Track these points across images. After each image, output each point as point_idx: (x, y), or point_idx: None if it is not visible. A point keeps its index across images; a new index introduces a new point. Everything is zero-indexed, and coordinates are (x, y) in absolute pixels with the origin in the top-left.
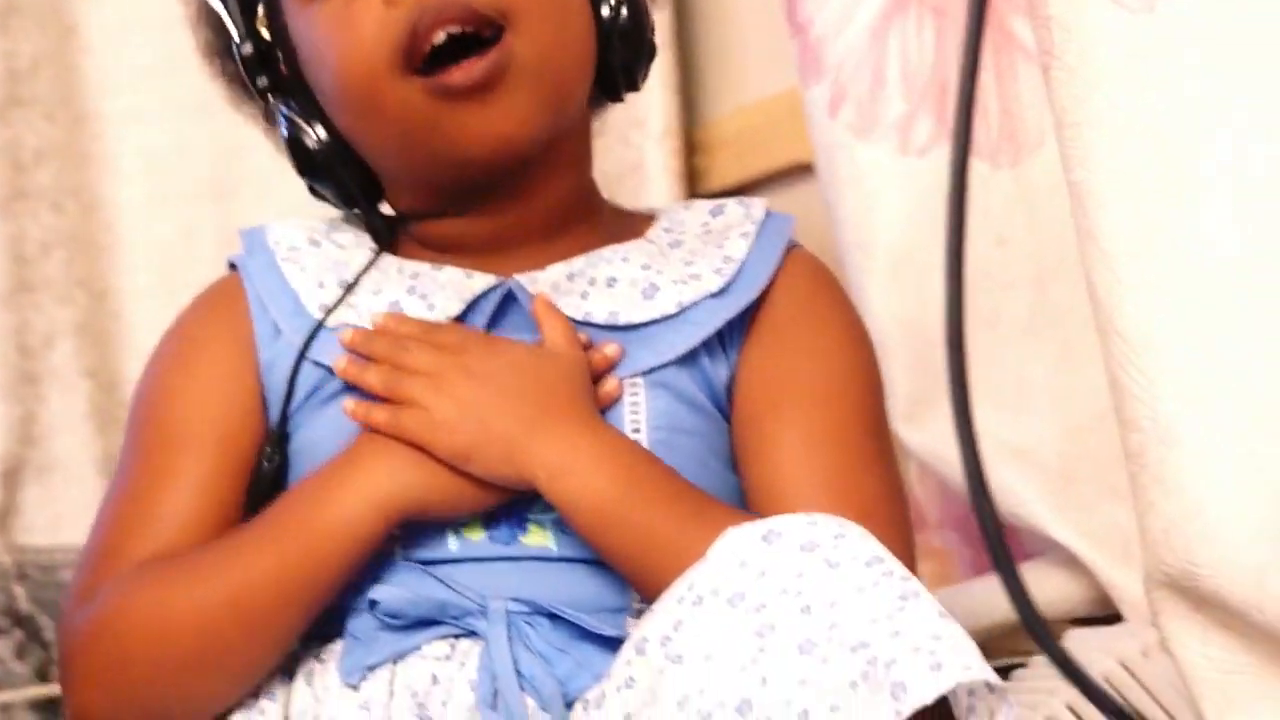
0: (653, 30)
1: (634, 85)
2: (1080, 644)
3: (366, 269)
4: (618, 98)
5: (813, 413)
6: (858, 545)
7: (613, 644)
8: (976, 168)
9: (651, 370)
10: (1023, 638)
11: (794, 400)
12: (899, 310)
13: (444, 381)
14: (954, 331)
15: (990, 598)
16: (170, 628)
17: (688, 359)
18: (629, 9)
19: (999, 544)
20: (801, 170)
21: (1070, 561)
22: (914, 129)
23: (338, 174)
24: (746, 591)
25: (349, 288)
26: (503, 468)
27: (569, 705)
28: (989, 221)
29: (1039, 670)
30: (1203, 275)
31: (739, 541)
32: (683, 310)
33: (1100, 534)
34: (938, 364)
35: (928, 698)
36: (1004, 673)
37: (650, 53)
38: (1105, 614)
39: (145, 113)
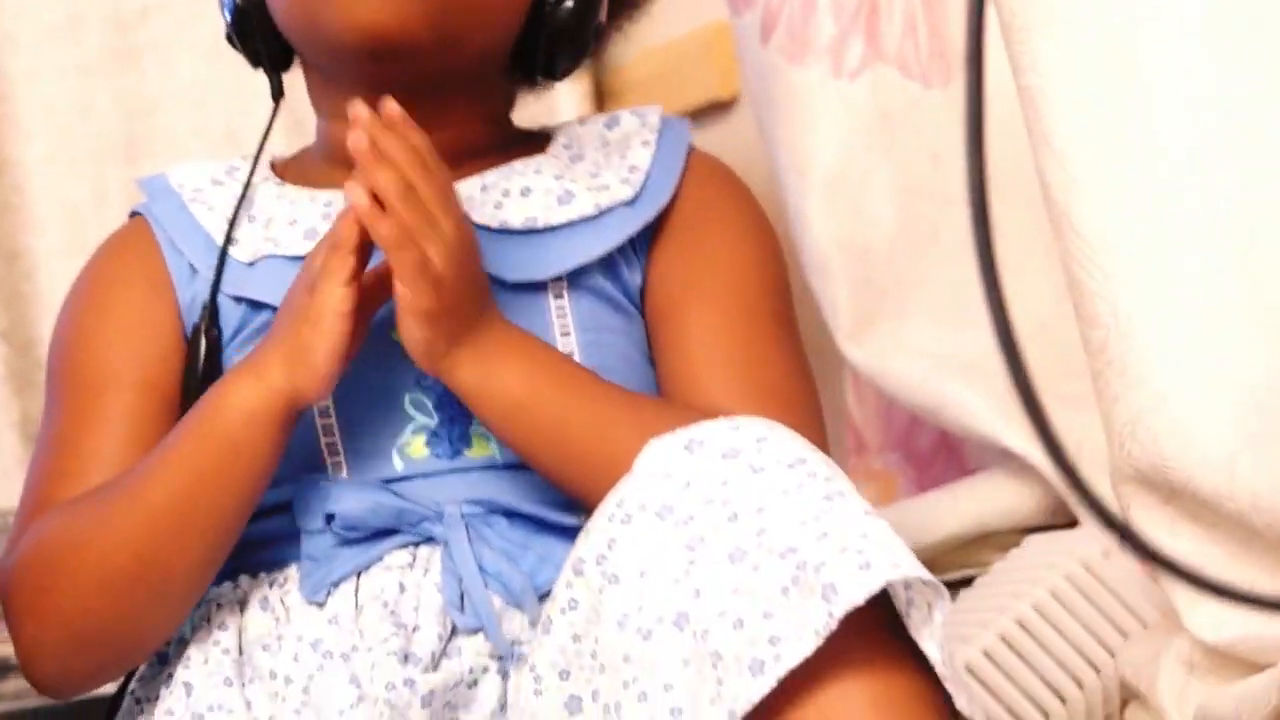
0: (594, 33)
1: (551, 72)
2: (1040, 547)
3: (250, 176)
4: (531, 80)
5: (720, 303)
6: (781, 448)
7: (571, 534)
8: (907, 88)
9: (575, 272)
10: (975, 550)
11: (701, 293)
12: (837, 231)
13: (443, 236)
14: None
15: (938, 512)
16: (92, 547)
17: (606, 263)
18: (575, 3)
19: (1030, 397)
20: (715, 109)
21: (1022, 472)
22: (846, 52)
23: (253, 34)
24: (674, 504)
25: (241, 199)
26: (437, 344)
27: (541, 599)
28: (923, 139)
29: (997, 578)
30: (1157, 171)
31: (662, 452)
32: (600, 213)
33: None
34: (878, 281)
35: (858, 598)
36: (958, 585)
37: (581, 53)
38: (1059, 523)
39: (50, 72)
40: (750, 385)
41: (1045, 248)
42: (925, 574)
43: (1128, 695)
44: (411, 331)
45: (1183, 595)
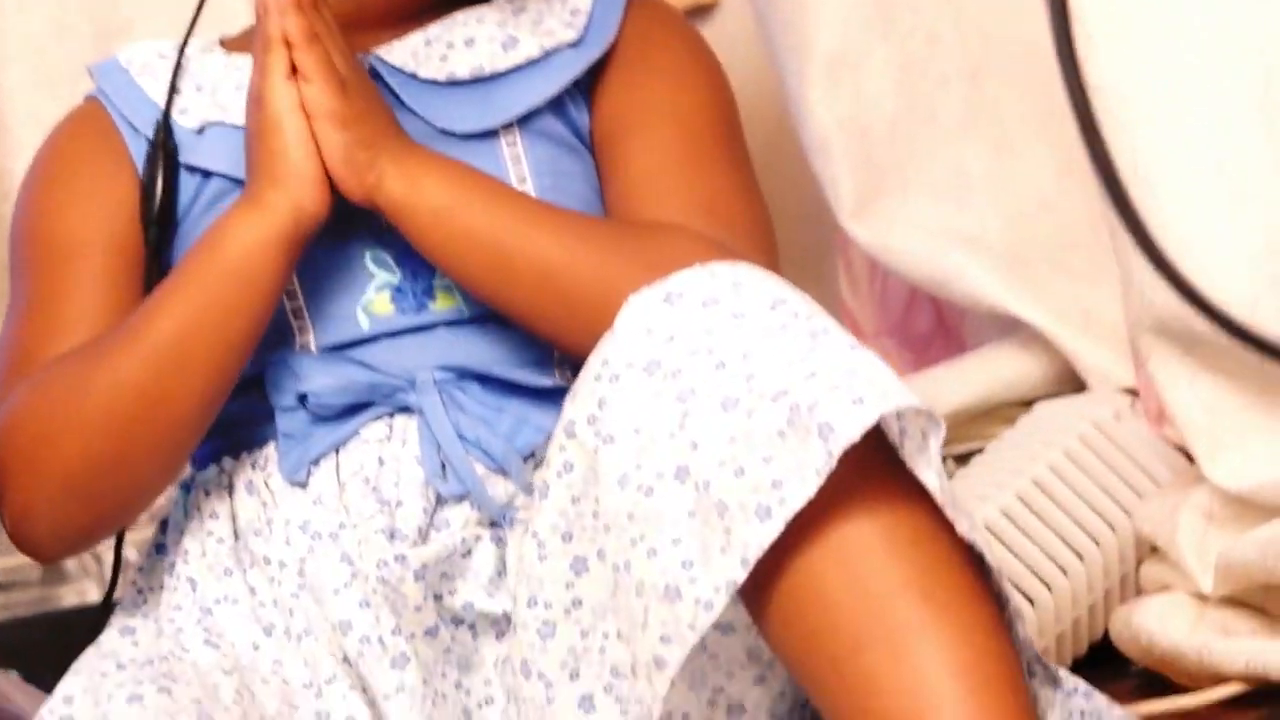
0: None
1: None
2: (1052, 412)
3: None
4: None
5: (663, 129)
6: (758, 290)
7: (547, 395)
8: None
9: (526, 118)
10: (982, 423)
11: (646, 120)
12: (839, 111)
13: (342, 47)
14: None
15: (944, 387)
16: (90, 393)
17: (556, 106)
18: None
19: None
20: (698, 11)
21: (1027, 343)
22: None
23: None
24: (660, 359)
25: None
26: (355, 153)
27: (525, 462)
28: (919, 20)
29: (1011, 442)
30: (1171, 21)
31: (642, 307)
32: (546, 55)
33: (1059, 308)
34: (879, 161)
35: (855, 434)
36: (967, 458)
37: None
38: (1066, 392)
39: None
40: (693, 203)
41: (1045, 129)
42: (917, 402)
43: (1143, 553)
44: (328, 139)
45: (1203, 445)
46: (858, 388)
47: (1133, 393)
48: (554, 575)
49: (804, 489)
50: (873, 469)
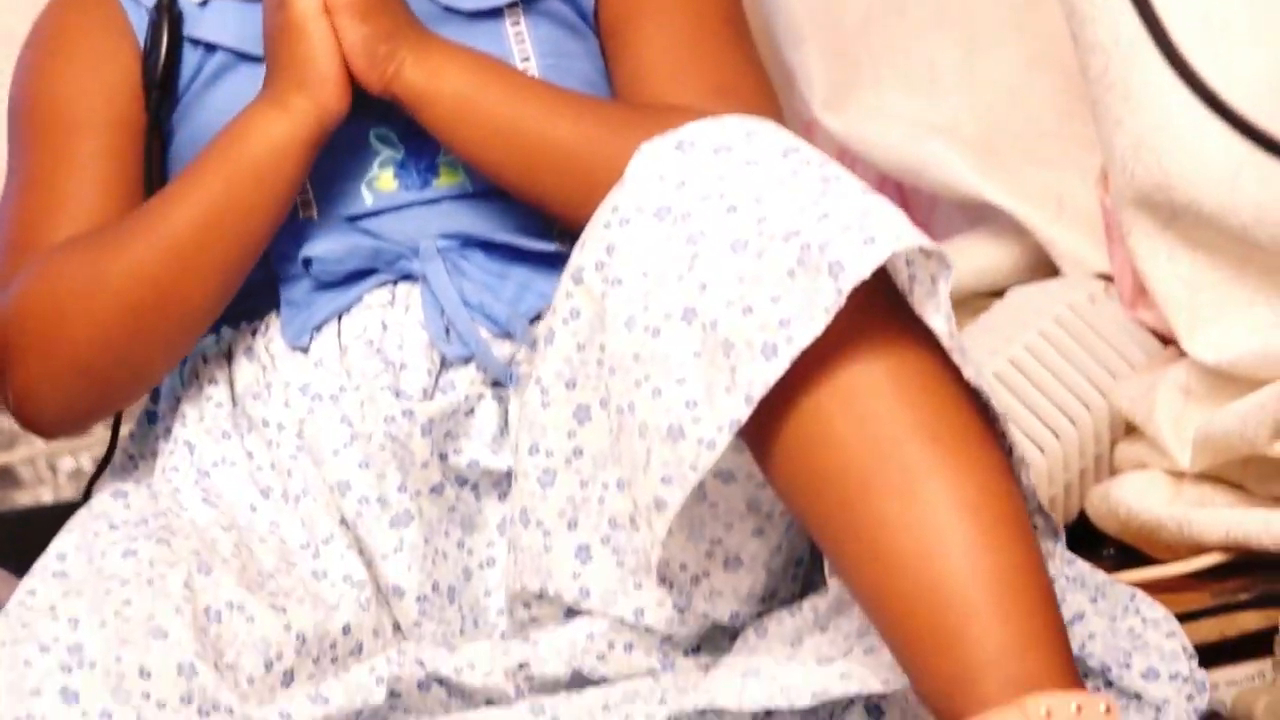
0: None
1: None
2: (1027, 296)
3: None
4: None
5: (674, 13)
6: (770, 139)
7: (549, 261)
8: None
9: None
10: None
11: (655, 4)
12: (811, 2)
13: None
14: None
15: None
16: (106, 281)
17: None
18: None
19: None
20: None
21: (998, 232)
22: None
23: None
24: (671, 204)
25: None
26: (375, 45)
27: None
28: None
29: (986, 325)
30: None
31: (654, 155)
32: None
33: (1032, 195)
34: (852, 53)
35: (865, 272)
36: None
37: None
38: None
39: None
40: (705, 85)
41: (1014, 22)
42: (929, 243)
43: (1118, 434)
44: (348, 33)
45: (1182, 320)
46: (870, 227)
47: (1106, 278)
48: (556, 423)
49: (812, 327)
50: (881, 312)
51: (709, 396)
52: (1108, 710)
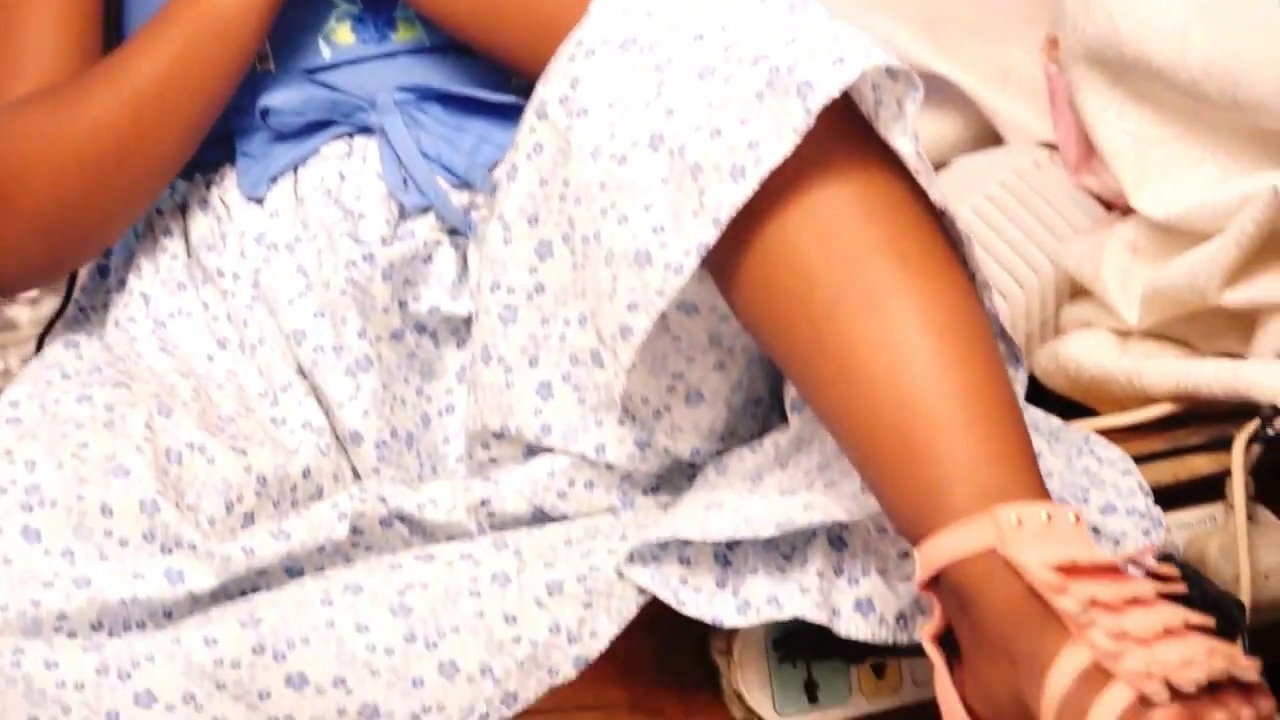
0: None
1: None
2: (972, 164)
3: None
4: None
5: None
6: None
7: (506, 113)
8: None
9: None
10: None
11: None
12: None
13: None
14: None
15: None
16: (67, 135)
17: None
18: None
19: None
20: None
21: (942, 105)
22: None
23: None
24: (637, 35)
25: None
26: None
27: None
28: None
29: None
30: None
31: None
32: None
33: (976, 66)
34: None
35: (834, 91)
36: None
37: None
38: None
39: None
40: None
41: None
42: (897, 62)
43: (1063, 298)
44: None
45: (1131, 175)
46: (839, 49)
47: (1050, 147)
48: (518, 259)
49: (780, 147)
50: (849, 136)
51: (676, 221)
52: (1077, 520)
